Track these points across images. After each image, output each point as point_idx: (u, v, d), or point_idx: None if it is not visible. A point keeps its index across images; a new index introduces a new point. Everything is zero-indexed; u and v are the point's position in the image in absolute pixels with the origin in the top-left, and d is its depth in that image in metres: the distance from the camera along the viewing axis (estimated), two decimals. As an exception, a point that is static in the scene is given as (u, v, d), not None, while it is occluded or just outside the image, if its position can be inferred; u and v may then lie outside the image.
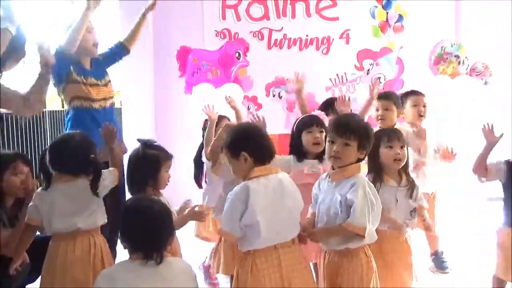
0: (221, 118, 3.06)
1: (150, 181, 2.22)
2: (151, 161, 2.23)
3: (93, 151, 2.23)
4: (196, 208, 2.33)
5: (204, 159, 2.90)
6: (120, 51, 3.25)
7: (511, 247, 2.33)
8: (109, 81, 3.09)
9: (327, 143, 2.01)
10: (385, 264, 2.16)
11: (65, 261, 2.11)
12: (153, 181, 2.23)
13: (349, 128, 1.93)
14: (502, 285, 2.50)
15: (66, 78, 2.89)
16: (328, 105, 2.92)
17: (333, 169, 2.03)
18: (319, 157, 2.46)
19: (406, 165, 2.29)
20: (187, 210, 2.31)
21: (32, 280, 2.62)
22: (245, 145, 1.92)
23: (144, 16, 3.26)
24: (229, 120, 3.09)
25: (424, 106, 3.15)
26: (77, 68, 2.92)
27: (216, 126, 2.99)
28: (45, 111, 4.54)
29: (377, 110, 3.04)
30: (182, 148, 3.12)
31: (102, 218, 2.23)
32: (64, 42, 2.84)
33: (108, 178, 2.25)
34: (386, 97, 3.08)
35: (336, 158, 1.96)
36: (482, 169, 2.39)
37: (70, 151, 2.16)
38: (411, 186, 2.26)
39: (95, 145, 2.30)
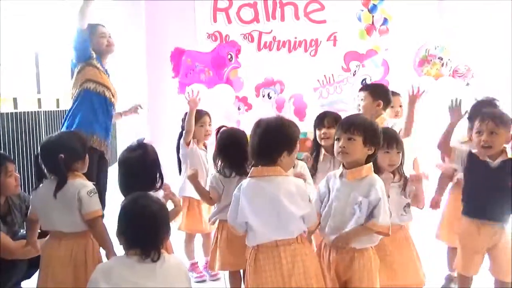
0: (202, 114, 3.10)
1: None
2: (157, 158, 2.26)
3: (72, 153, 2.16)
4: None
5: (181, 146, 2.97)
6: None
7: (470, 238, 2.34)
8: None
9: (334, 141, 2.06)
10: (385, 259, 2.18)
11: (49, 258, 2.14)
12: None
13: (352, 124, 2.00)
14: (467, 283, 2.42)
15: (87, 58, 3.06)
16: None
17: (344, 167, 2.04)
18: None
19: (401, 163, 2.32)
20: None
21: (29, 276, 2.68)
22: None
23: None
24: (209, 116, 3.13)
25: (400, 106, 3.28)
26: (97, 58, 3.14)
27: (197, 121, 3.04)
28: (40, 111, 4.55)
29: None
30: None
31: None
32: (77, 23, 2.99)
33: (89, 205, 2.11)
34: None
35: (343, 154, 1.99)
36: (446, 146, 2.41)
37: (54, 151, 2.12)
38: (404, 182, 2.30)
39: (84, 145, 2.28)
